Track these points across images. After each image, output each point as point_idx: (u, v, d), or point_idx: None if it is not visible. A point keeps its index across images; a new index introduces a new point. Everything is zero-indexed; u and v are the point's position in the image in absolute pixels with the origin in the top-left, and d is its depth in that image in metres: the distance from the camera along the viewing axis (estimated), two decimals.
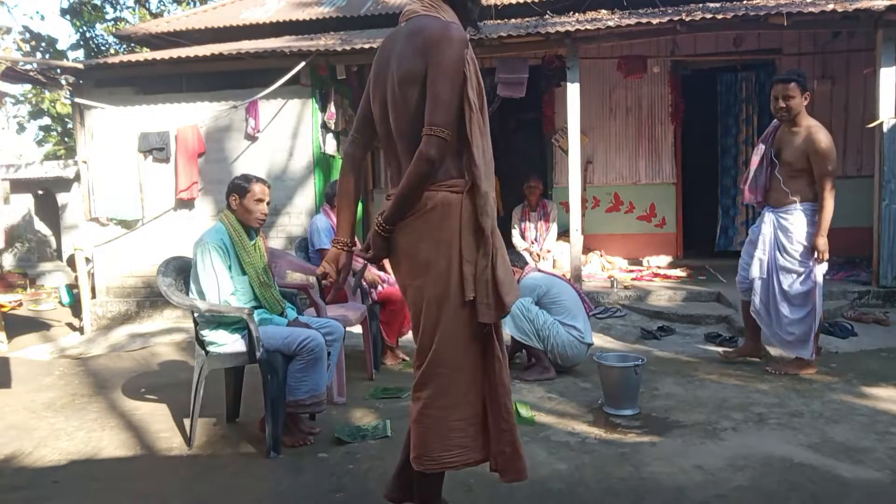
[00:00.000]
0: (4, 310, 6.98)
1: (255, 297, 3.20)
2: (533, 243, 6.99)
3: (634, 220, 8.01)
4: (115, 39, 14.70)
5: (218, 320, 3.11)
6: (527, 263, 4.62)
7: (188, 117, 6.52)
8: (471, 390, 2.05)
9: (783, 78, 3.93)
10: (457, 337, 2.01)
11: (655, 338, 5.08)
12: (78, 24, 15.35)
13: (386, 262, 2.40)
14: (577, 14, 7.14)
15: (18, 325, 6.63)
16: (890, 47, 5.56)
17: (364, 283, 4.34)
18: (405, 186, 1.95)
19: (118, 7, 16.15)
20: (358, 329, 4.24)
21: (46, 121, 16.55)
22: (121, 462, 3.07)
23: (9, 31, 14.91)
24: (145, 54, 7.17)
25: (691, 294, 6.08)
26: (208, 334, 3.13)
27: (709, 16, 5.67)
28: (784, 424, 3.17)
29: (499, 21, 7.48)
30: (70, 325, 6.86)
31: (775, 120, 4.08)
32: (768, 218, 4.05)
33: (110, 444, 3.29)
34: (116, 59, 6.72)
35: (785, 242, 3.96)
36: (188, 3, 16.08)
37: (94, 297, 6.80)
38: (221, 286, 3.07)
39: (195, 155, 6.49)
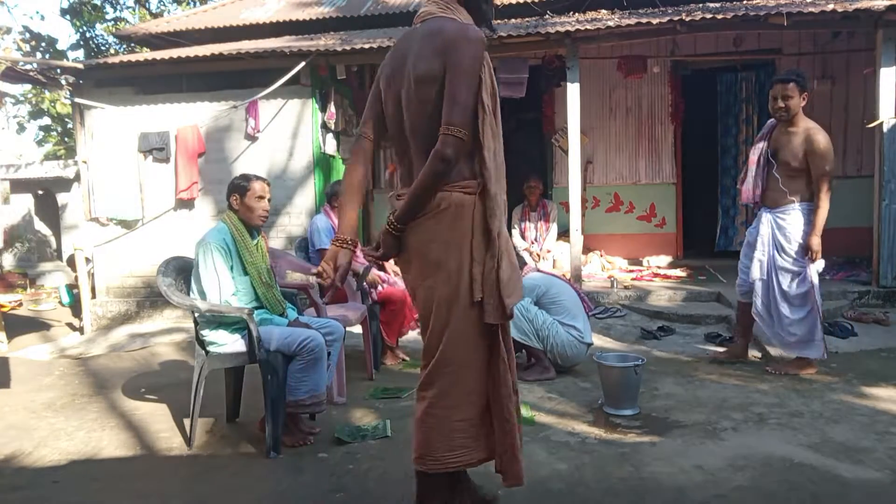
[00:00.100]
0: (4, 310, 6.98)
1: (256, 298, 3.21)
2: (533, 243, 7.00)
3: (634, 220, 8.01)
4: (115, 39, 14.70)
5: (218, 320, 3.12)
6: (526, 263, 4.62)
7: (188, 117, 6.52)
8: (475, 390, 2.06)
9: (782, 78, 3.94)
10: (465, 337, 2.03)
11: (655, 338, 5.08)
12: (78, 24, 15.35)
13: (386, 263, 2.41)
14: (577, 14, 7.14)
15: (18, 325, 6.63)
16: (890, 47, 5.56)
17: (364, 283, 4.34)
18: (419, 186, 1.96)
19: (118, 7, 16.16)
20: (358, 329, 4.23)
21: (46, 121, 16.56)
22: (121, 462, 3.07)
23: (9, 31, 14.92)
24: (145, 54, 7.17)
25: (691, 294, 6.08)
26: (208, 334, 3.13)
27: (709, 16, 5.68)
28: (784, 424, 3.17)
29: (499, 21, 7.48)
30: (70, 325, 6.86)
31: (770, 120, 4.09)
32: (766, 218, 4.05)
33: (110, 444, 3.29)
34: (116, 59, 6.72)
35: (783, 242, 3.96)
36: (188, 3, 16.08)
37: (94, 297, 6.80)
38: (223, 286, 3.08)
39: (195, 155, 6.49)
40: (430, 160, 1.93)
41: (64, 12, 15.43)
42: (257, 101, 6.35)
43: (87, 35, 15.65)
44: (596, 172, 8.01)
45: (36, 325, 6.88)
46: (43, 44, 14.70)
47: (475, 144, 1.98)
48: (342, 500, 2.57)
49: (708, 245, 8.16)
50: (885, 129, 5.60)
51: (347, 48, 6.13)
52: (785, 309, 3.98)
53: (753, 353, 4.47)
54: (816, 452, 2.84)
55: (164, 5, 16.87)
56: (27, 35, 14.65)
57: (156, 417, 3.65)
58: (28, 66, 6.84)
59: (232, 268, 3.13)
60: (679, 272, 6.91)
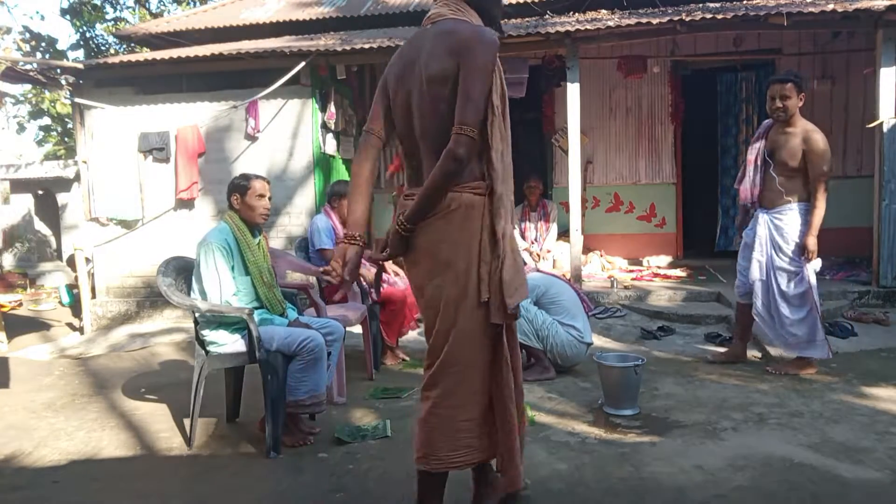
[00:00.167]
0: (4, 310, 6.98)
1: (257, 298, 3.21)
2: (533, 243, 6.99)
3: (634, 220, 8.01)
4: (115, 39, 14.70)
5: (218, 320, 3.12)
6: (526, 263, 4.62)
7: (188, 117, 6.52)
8: (480, 390, 2.08)
9: (780, 78, 3.95)
10: (472, 337, 2.04)
11: (655, 338, 5.08)
12: (78, 24, 15.35)
13: (386, 263, 2.40)
14: (577, 14, 7.14)
15: (18, 325, 6.63)
16: (890, 47, 5.56)
17: (364, 284, 4.34)
18: (430, 186, 1.97)
19: (118, 7, 16.16)
20: (358, 329, 4.24)
21: (46, 121, 16.56)
22: (121, 462, 3.07)
23: (9, 31, 14.92)
24: (145, 54, 7.17)
25: (691, 294, 6.08)
26: (209, 334, 3.13)
27: (709, 16, 5.68)
28: (784, 424, 3.17)
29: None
30: (70, 325, 6.86)
31: (767, 120, 4.11)
32: (762, 219, 4.06)
33: (110, 444, 3.29)
34: (116, 59, 6.72)
35: (780, 242, 3.97)
36: (188, 3, 16.08)
37: (94, 297, 6.80)
38: (224, 286, 3.08)
39: (195, 155, 6.49)
40: (442, 159, 1.94)
41: (64, 12, 15.44)
42: (257, 101, 6.35)
43: (87, 35, 15.66)
44: (596, 172, 8.01)
45: (36, 325, 6.88)
46: (43, 44, 14.70)
47: (483, 145, 2.00)
48: (342, 500, 2.57)
49: (708, 245, 8.16)
50: (885, 129, 5.60)
51: (347, 48, 6.12)
52: (785, 309, 3.98)
53: (753, 353, 4.48)
54: (816, 452, 2.84)
55: (164, 5, 16.88)
56: (27, 35, 14.66)
57: (156, 417, 3.65)
58: (28, 66, 6.84)
59: (233, 268, 3.14)
60: (679, 272, 6.91)
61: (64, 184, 10.51)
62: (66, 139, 15.92)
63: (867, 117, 6.18)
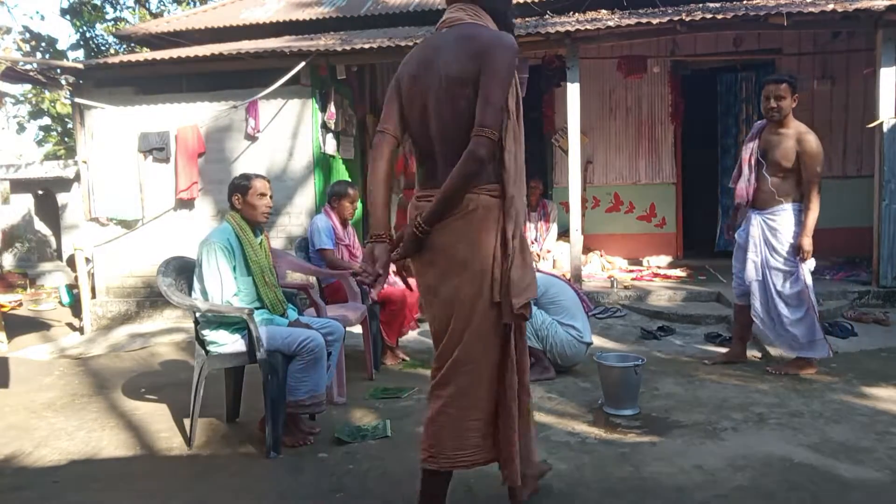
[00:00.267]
0: (4, 310, 6.98)
1: (258, 298, 3.21)
2: (533, 243, 6.99)
3: (634, 220, 8.01)
4: (115, 39, 14.71)
5: (219, 320, 3.12)
6: None
7: (188, 117, 6.52)
8: (490, 390, 2.10)
9: (775, 79, 3.97)
10: (485, 336, 2.06)
11: (655, 338, 5.08)
12: (78, 24, 15.36)
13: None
14: (577, 14, 7.14)
15: (18, 325, 6.63)
16: (890, 47, 5.56)
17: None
18: (450, 187, 1.99)
19: (118, 7, 16.17)
20: (358, 329, 4.23)
21: (46, 121, 16.57)
22: (121, 462, 3.07)
23: (9, 31, 14.92)
24: (145, 54, 7.17)
25: (691, 294, 6.08)
26: (209, 334, 3.13)
27: (709, 16, 5.68)
28: (784, 424, 3.17)
29: None
30: (70, 325, 6.86)
31: (759, 121, 4.13)
32: (755, 220, 4.06)
33: (110, 444, 3.29)
34: (116, 59, 6.72)
35: (774, 243, 3.98)
36: (188, 3, 16.09)
37: (94, 297, 6.80)
38: (225, 286, 3.08)
39: (195, 155, 6.49)
40: (462, 160, 1.96)
41: (64, 12, 15.45)
42: (257, 101, 6.35)
43: (87, 35, 15.67)
44: (596, 172, 8.01)
45: (36, 325, 6.88)
46: (43, 44, 14.71)
47: (497, 147, 2.03)
48: (342, 500, 2.57)
49: (708, 245, 8.16)
50: (885, 129, 5.60)
51: (347, 48, 6.13)
52: (783, 309, 3.98)
53: (753, 354, 4.48)
54: (816, 452, 2.84)
55: (164, 5, 16.89)
56: (27, 35, 14.67)
57: (156, 417, 3.65)
58: (28, 66, 6.85)
59: (235, 268, 3.14)
60: (679, 272, 6.91)
61: (64, 184, 10.51)
62: (66, 139, 15.92)
63: (867, 117, 6.18)
